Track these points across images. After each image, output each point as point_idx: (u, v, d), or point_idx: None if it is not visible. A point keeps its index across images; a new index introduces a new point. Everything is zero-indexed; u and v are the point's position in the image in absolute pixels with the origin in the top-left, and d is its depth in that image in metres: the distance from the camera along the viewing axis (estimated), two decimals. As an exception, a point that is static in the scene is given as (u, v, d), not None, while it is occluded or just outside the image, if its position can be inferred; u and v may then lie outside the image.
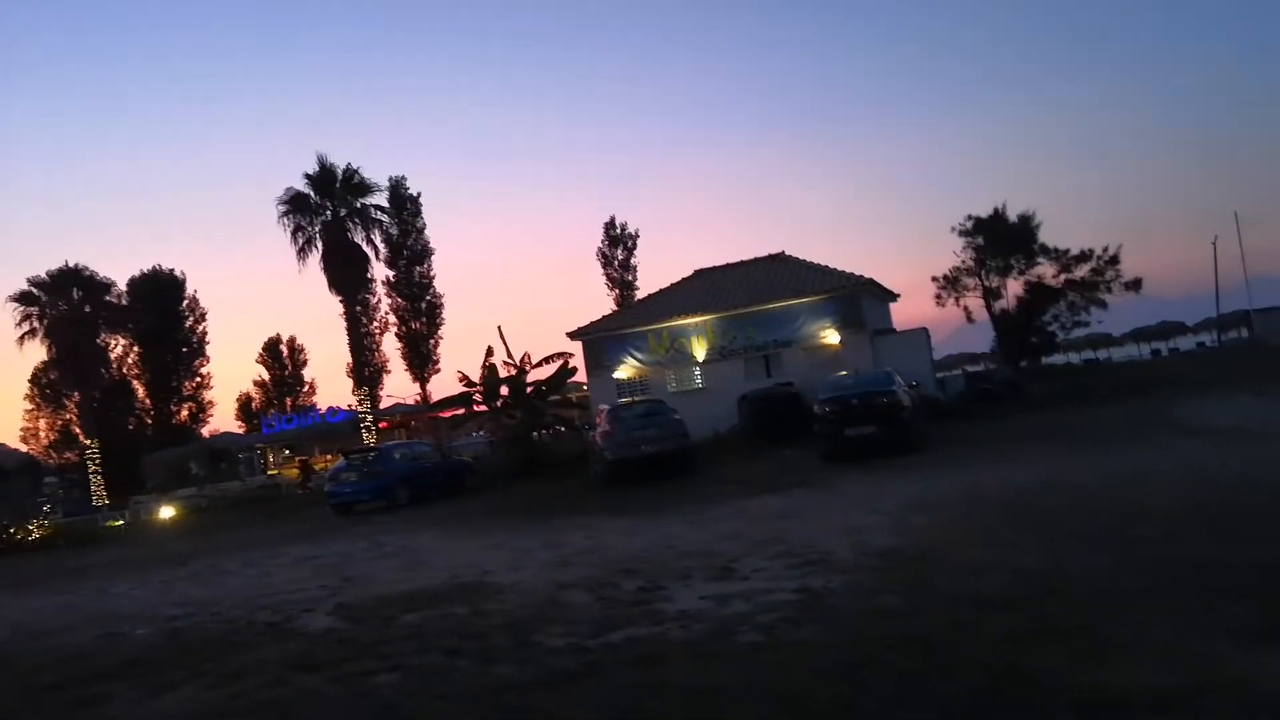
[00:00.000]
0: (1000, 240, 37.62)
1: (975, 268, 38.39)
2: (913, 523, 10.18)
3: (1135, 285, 37.28)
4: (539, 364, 30.59)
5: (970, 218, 38.50)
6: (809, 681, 5.03)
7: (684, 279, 33.14)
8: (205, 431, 55.84)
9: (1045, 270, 37.70)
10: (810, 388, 22.88)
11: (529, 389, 30.14)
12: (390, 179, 48.06)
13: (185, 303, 55.94)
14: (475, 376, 30.23)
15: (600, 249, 55.17)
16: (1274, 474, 10.00)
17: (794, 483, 15.59)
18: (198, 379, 56.23)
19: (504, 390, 29.96)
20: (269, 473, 45.26)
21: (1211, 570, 6.42)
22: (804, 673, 5.21)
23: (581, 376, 31.70)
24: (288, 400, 62.66)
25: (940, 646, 5.41)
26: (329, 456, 41.14)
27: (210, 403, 57.00)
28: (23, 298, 40.49)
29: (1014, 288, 38.42)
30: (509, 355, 30.48)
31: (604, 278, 55.07)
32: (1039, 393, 27.57)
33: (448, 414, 39.23)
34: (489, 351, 30.64)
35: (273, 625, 8.93)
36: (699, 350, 29.19)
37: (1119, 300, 38.16)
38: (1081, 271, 37.16)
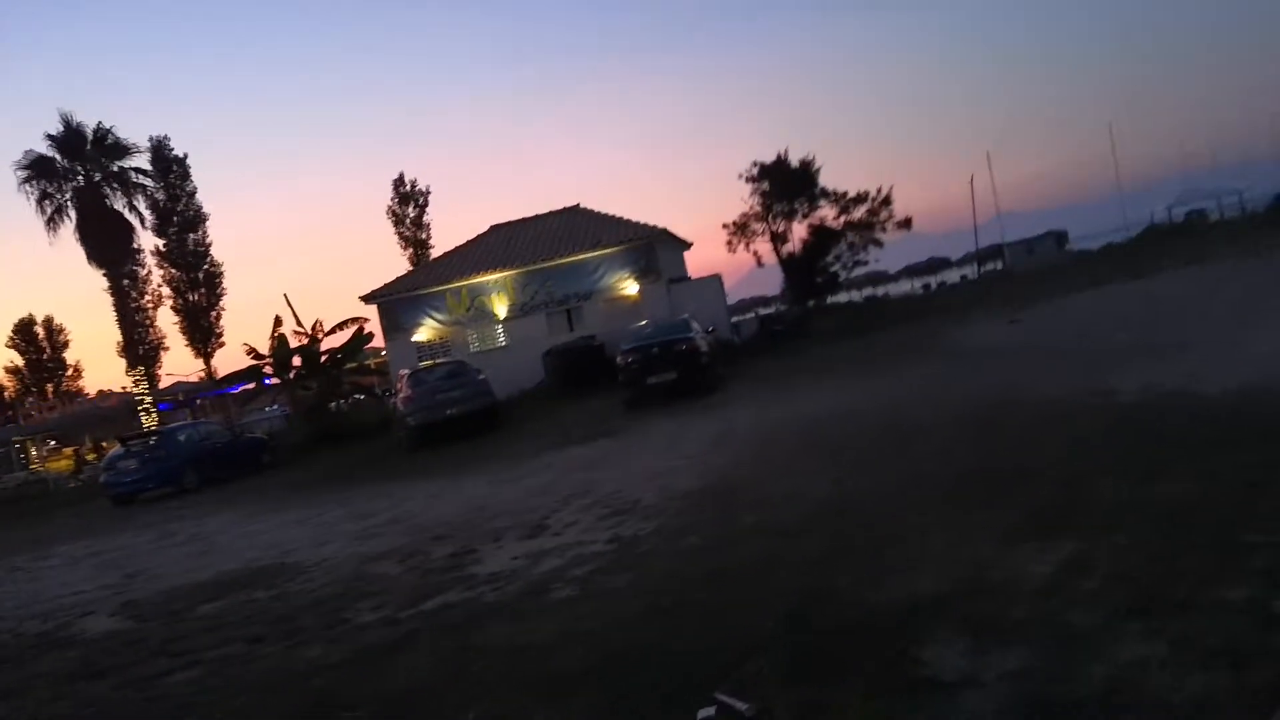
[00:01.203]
0: (784, 185, 39.18)
1: (763, 213, 39.85)
2: (714, 462, 10.55)
3: (906, 224, 39.92)
4: (332, 331, 29.34)
5: (756, 164, 39.82)
6: (623, 628, 5.13)
7: (480, 235, 32.57)
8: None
9: (827, 213, 39.66)
10: (613, 339, 23.20)
11: (323, 358, 28.88)
12: (151, 139, 44.09)
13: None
14: (264, 349, 28.69)
15: (390, 207, 53.22)
16: (1025, 389, 11.04)
17: (601, 433, 15.80)
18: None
19: (296, 361, 28.57)
20: (31, 467, 41.22)
21: (978, 480, 7.03)
22: (618, 620, 5.31)
23: (380, 342, 30.65)
24: (49, 386, 57.12)
25: (745, 579, 5.65)
26: (105, 445, 37.91)
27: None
28: None
29: (799, 231, 40.22)
30: (299, 324, 29.03)
31: (396, 237, 53.25)
32: (826, 329, 29.19)
33: (237, 390, 37.02)
34: (277, 321, 29.10)
35: (44, 635, 8.14)
36: (500, 307, 28.85)
37: (893, 239, 40.79)
38: (859, 213, 39.35)
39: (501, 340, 28.82)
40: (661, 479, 10.02)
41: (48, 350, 59.14)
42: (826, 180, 39.56)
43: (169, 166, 44.92)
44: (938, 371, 15.01)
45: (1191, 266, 23.87)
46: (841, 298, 48.04)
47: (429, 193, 53.62)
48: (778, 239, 40.09)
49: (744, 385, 18.71)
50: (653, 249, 28.04)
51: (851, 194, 39.48)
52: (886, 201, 39.26)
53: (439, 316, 29.29)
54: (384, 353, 32.03)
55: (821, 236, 39.41)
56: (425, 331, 29.34)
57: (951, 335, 20.46)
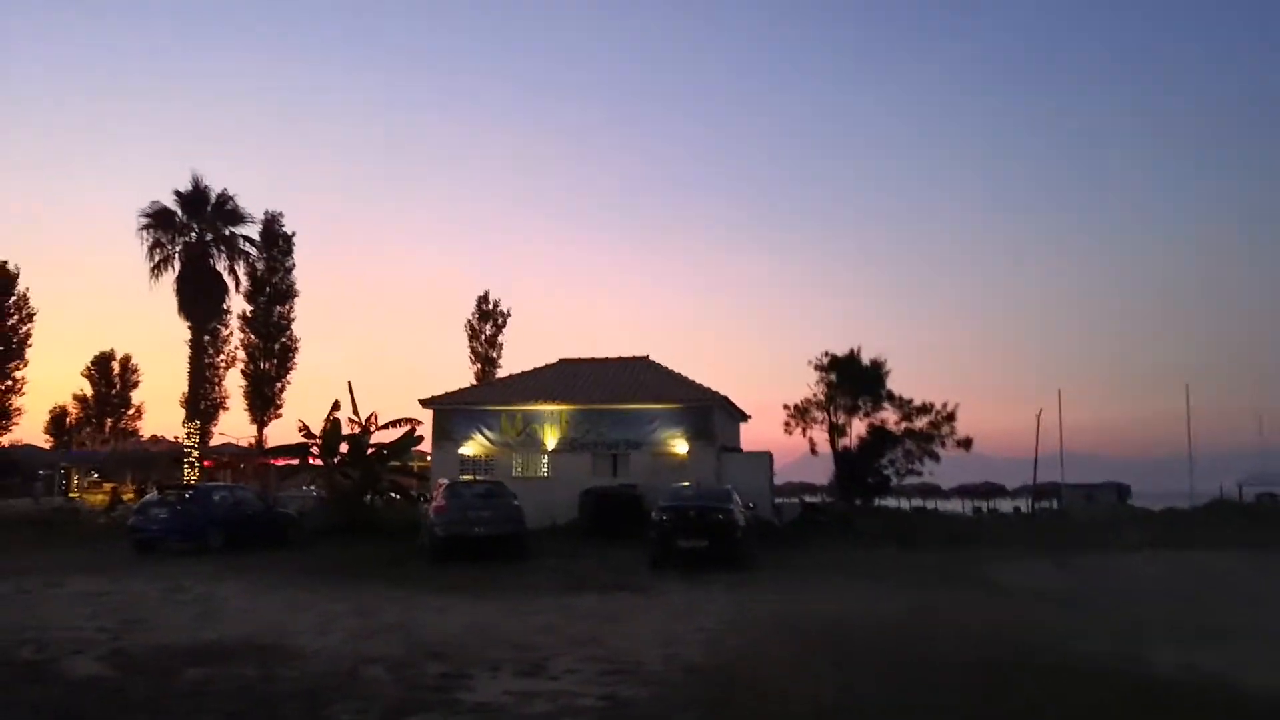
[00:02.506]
0: (851, 380, 39.43)
1: (825, 402, 39.97)
2: (728, 642, 10.30)
3: (966, 444, 39.62)
4: (385, 426, 29.87)
5: (827, 354, 40.29)
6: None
7: (547, 365, 33.24)
8: (4, 441, 51.37)
9: (889, 415, 39.66)
10: (652, 493, 23.13)
11: (370, 450, 29.27)
12: (266, 213, 46.64)
13: (14, 299, 52.12)
14: (317, 428, 29.21)
15: (470, 321, 54.74)
16: (1057, 639, 10.65)
17: (622, 585, 15.56)
18: (9, 381, 51.98)
19: (344, 447, 29.00)
20: (69, 494, 41.87)
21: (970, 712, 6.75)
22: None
23: (428, 446, 31.02)
24: (108, 421, 58.61)
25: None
26: (143, 488, 38.49)
27: (18, 410, 52.61)
28: None
29: (858, 427, 40.17)
30: (355, 412, 29.65)
31: (469, 350, 54.51)
32: (869, 530, 28.60)
33: (280, 462, 37.54)
34: (335, 405, 29.71)
35: (32, 665, 8.16)
36: (550, 438, 29.12)
37: (950, 455, 40.42)
38: (921, 423, 39.25)
39: (545, 471, 28.93)
40: (670, 646, 9.79)
41: (118, 386, 60.99)
42: (894, 385, 39.81)
43: (275, 241, 47.22)
44: (978, 602, 14.59)
45: (1243, 549, 23.06)
46: (890, 502, 47.31)
47: (509, 315, 55.14)
48: (836, 430, 40.05)
49: (775, 569, 18.30)
50: (710, 413, 28.24)
51: (917, 403, 39.55)
52: (950, 417, 39.20)
53: (490, 435, 29.64)
54: (429, 458, 32.35)
55: (880, 437, 39.26)
56: (473, 446, 29.65)
57: (996, 565, 19.88)
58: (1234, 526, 31.45)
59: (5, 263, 52.14)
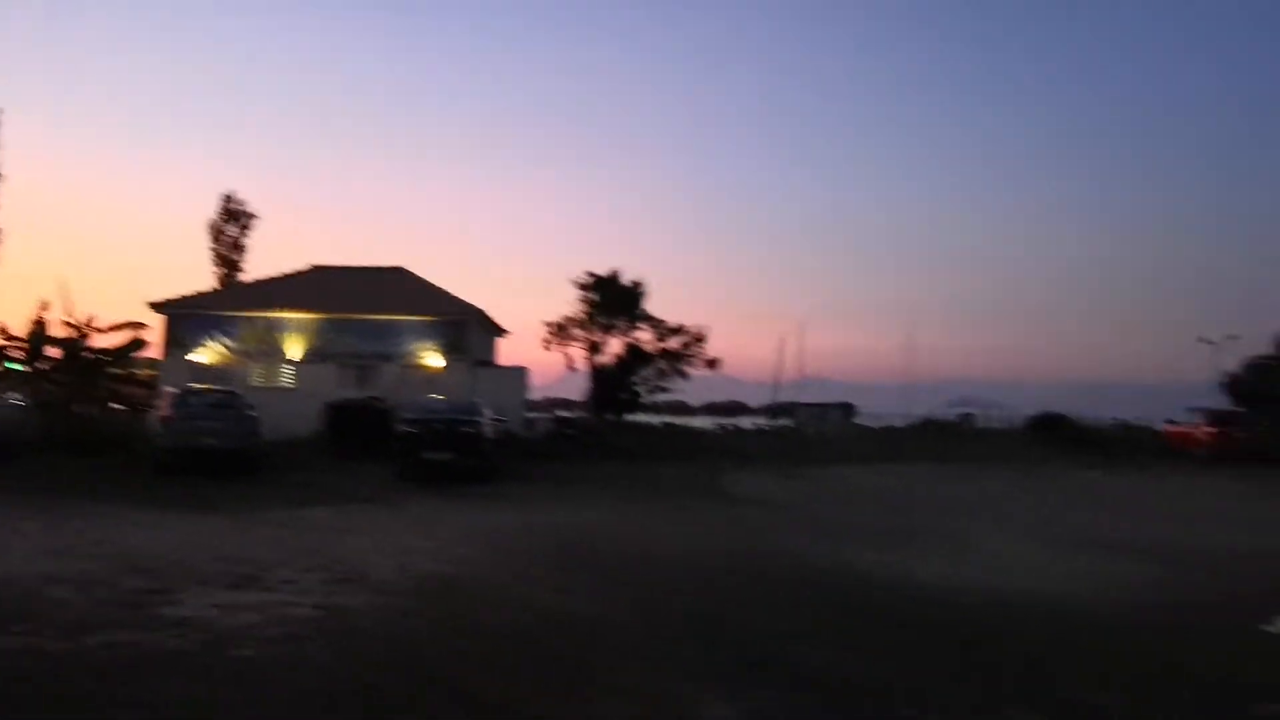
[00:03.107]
0: (611, 300, 40.08)
1: (585, 321, 40.48)
2: (464, 553, 10.28)
3: (714, 364, 41.58)
4: (107, 330, 27.18)
5: (589, 274, 40.64)
6: (278, 709, 4.82)
7: (298, 272, 31.37)
8: None
9: (644, 335, 40.78)
10: (403, 406, 22.58)
11: (87, 356, 26.58)
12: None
13: None
14: (22, 330, 26.08)
15: (213, 222, 50.41)
16: (777, 547, 11.50)
17: (361, 498, 15.18)
18: None
19: (54, 352, 26.14)
20: None
21: (694, 618, 7.17)
22: (278, 698, 4.98)
23: (159, 355, 28.56)
24: None
25: (437, 677, 5.46)
26: None
27: None
28: None
29: (615, 346, 41.05)
30: (70, 314, 26.72)
31: (212, 253, 50.29)
32: (619, 445, 29.51)
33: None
34: (43, 305, 26.63)
35: None
36: (295, 348, 27.63)
37: (700, 375, 42.32)
38: (674, 343, 40.69)
39: (287, 381, 27.48)
40: (403, 557, 9.66)
41: None
42: (651, 306, 40.89)
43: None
44: (705, 509, 15.45)
45: (945, 463, 25.93)
46: (641, 418, 49.02)
47: (255, 217, 51.23)
48: (593, 348, 40.72)
49: (522, 483, 18.51)
50: (465, 327, 27.84)
51: (672, 324, 40.91)
52: (700, 339, 40.87)
53: (228, 342, 27.71)
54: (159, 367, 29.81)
55: (635, 356, 40.35)
56: (209, 354, 27.62)
57: (733, 477, 21.13)
58: (934, 441, 35.21)
59: None
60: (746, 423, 63.42)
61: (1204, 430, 29.77)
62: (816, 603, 8.06)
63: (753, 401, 70.98)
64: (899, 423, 51.68)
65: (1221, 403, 36.73)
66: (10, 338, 25.92)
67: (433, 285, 30.16)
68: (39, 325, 25.96)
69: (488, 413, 19.86)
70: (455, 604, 7.62)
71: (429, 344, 27.49)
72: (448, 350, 27.46)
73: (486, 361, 30.61)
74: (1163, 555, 10.94)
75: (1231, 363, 39.71)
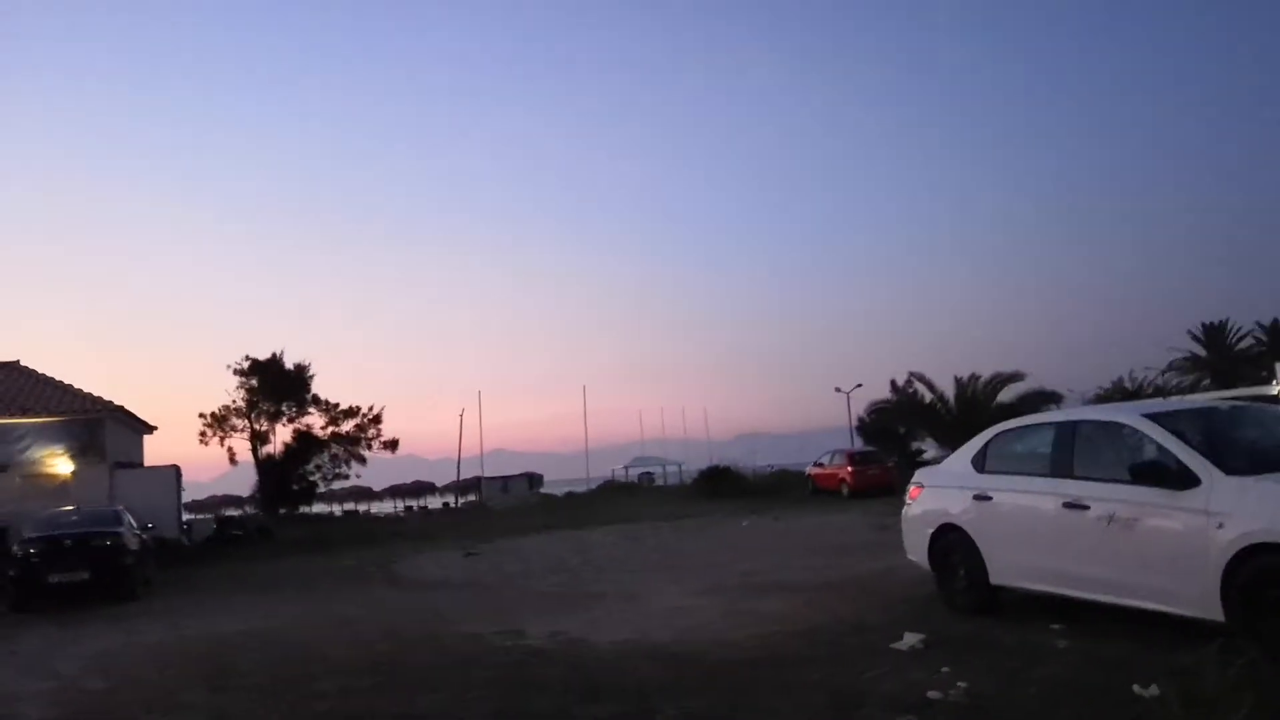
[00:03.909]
0: (274, 385, 37.86)
1: (246, 409, 37.80)
2: (89, 687, 9.00)
3: (393, 445, 40.47)
4: None
5: (248, 358, 38.12)
6: None
7: None
8: None
9: (315, 420, 38.86)
10: (23, 523, 19.59)
11: None
12: None
13: None
14: None
15: None
16: (447, 626, 11.25)
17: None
18: None
19: None
20: None
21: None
22: None
23: None
24: None
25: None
26: None
27: None
28: None
29: (283, 434, 38.68)
30: None
31: None
32: (292, 539, 27.64)
33: None
34: None
35: None
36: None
37: (379, 457, 40.91)
38: (348, 426, 39.10)
39: None
40: (8, 706, 8.27)
41: None
42: (320, 389, 39.02)
43: None
44: (378, 599, 14.86)
45: (627, 524, 26.97)
46: (321, 508, 46.40)
47: None
48: (258, 438, 38.07)
49: (174, 594, 16.77)
50: (101, 425, 24.87)
51: (344, 406, 39.31)
52: (377, 420, 39.72)
53: None
54: None
55: (305, 443, 38.28)
56: None
57: (412, 561, 20.49)
58: (617, 502, 36.55)
59: None
60: (435, 501, 62.29)
61: (845, 470, 33.43)
62: (483, 680, 7.93)
63: (439, 480, 69.72)
64: (582, 488, 53.14)
65: (856, 444, 41.51)
66: None
67: (58, 381, 26.66)
68: None
69: (129, 520, 17.79)
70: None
71: (55, 448, 24.19)
72: (80, 453, 24.32)
73: (131, 463, 27.47)
74: (804, 587, 12.01)
75: (859, 408, 45.08)
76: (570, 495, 48.88)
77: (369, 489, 61.83)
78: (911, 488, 10.55)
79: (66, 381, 26.64)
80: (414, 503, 64.70)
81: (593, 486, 54.86)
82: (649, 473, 61.18)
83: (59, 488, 23.39)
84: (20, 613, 15.21)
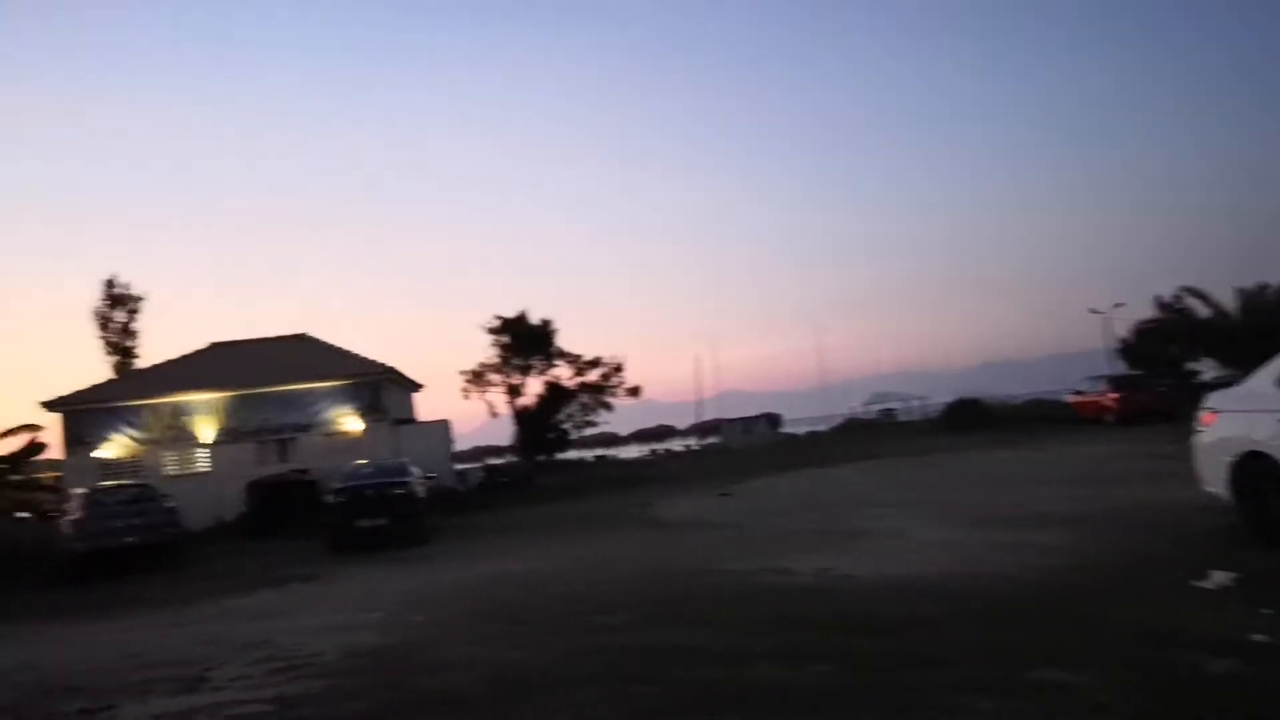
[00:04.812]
0: (523, 341, 40.12)
1: (500, 365, 40.33)
2: (407, 619, 10.14)
3: (635, 392, 41.85)
4: (1, 436, 25.98)
5: (498, 318, 40.55)
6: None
7: (197, 351, 30.48)
8: None
9: (562, 372, 40.86)
10: (329, 474, 22.12)
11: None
12: None
13: None
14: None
15: (98, 310, 48.65)
16: (716, 564, 11.62)
17: (296, 577, 14.80)
18: None
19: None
20: None
21: (642, 654, 7.21)
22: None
23: (60, 455, 27.38)
24: None
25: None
26: None
27: None
28: None
29: (534, 386, 41.00)
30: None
31: (101, 343, 48.48)
32: (552, 485, 29.44)
33: None
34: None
35: None
36: (206, 430, 26.80)
37: (623, 404, 42.49)
38: (592, 376, 40.83)
39: (203, 465, 26.62)
40: (348, 633, 9.45)
41: None
42: (564, 342, 40.92)
43: None
44: (642, 539, 15.53)
45: (875, 460, 26.56)
46: (573, 455, 48.93)
47: (141, 299, 49.58)
48: (513, 391, 40.58)
49: (458, 538, 18.34)
50: (379, 387, 27.43)
51: (588, 357, 41.06)
52: (619, 369, 41.16)
53: (134, 433, 26.72)
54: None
55: (555, 394, 40.39)
56: (115, 448, 26.58)
57: (668, 502, 21.29)
58: (860, 440, 36.01)
59: None
60: (677, 445, 64.01)
61: (1109, 397, 31.13)
62: (760, 617, 8.17)
63: (679, 423, 71.54)
64: (823, 426, 52.76)
65: (1119, 368, 38.48)
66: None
67: (340, 348, 29.65)
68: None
69: (417, 472, 19.62)
70: (402, 675, 7.49)
71: (346, 408, 27.01)
72: (365, 412, 27.00)
73: (407, 419, 30.18)
74: (1080, 519, 11.40)
75: (1121, 329, 41.67)
76: (813, 434, 48.69)
77: (616, 434, 64.44)
78: (1203, 413, 9.71)
79: (345, 348, 29.62)
80: (658, 446, 66.83)
81: (831, 425, 54.31)
82: (890, 408, 59.69)
83: (351, 444, 26.15)
84: (336, 553, 17.24)
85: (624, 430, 67.95)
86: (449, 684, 6.98)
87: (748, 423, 51.65)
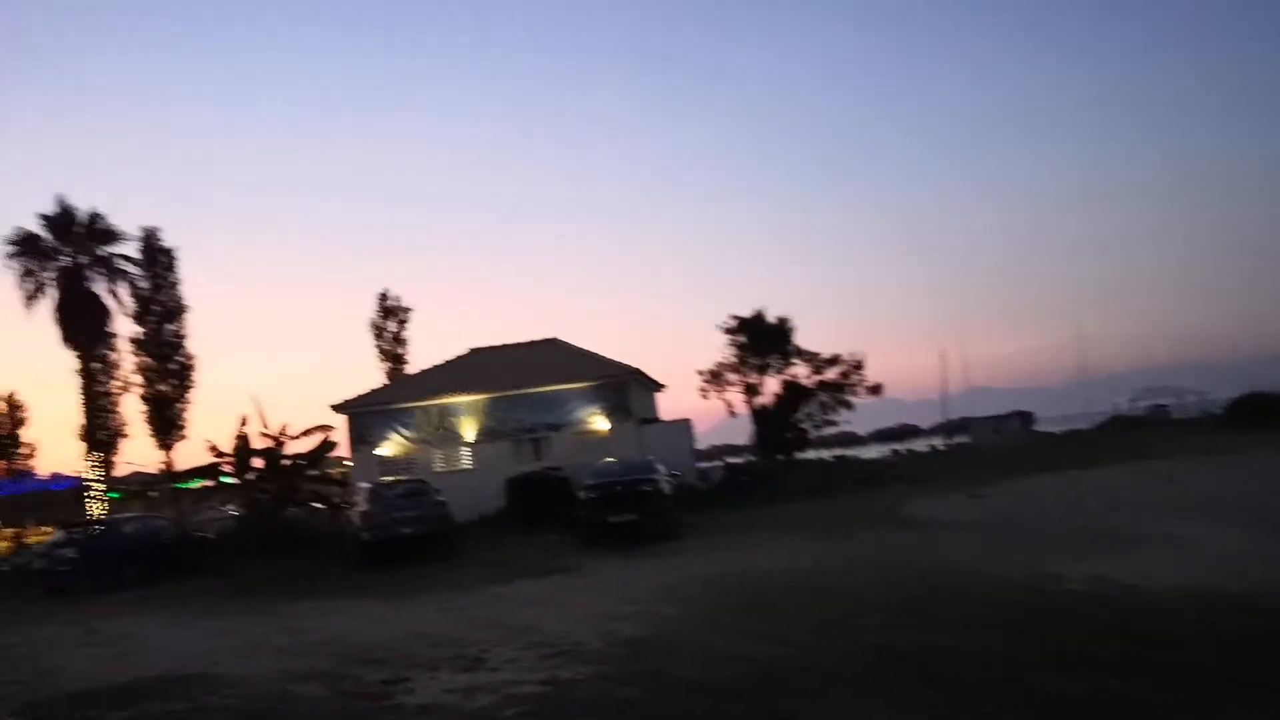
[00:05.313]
0: (760, 340, 39.99)
1: (737, 364, 40.49)
2: (662, 612, 10.44)
3: (876, 390, 40.61)
4: (299, 436, 29.11)
5: (734, 317, 40.72)
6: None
7: (458, 357, 32.84)
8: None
9: (799, 371, 40.35)
10: (578, 472, 23.15)
11: (285, 462, 28.52)
12: (143, 229, 44.48)
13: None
14: (228, 446, 28.27)
15: (373, 321, 53.54)
16: (974, 568, 11.11)
17: (555, 568, 15.59)
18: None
19: (257, 462, 28.17)
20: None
21: (907, 655, 7.03)
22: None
23: (346, 453, 30.40)
24: (1, 463, 55.66)
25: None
26: (47, 529, 36.74)
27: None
28: None
29: (772, 385, 40.78)
30: (265, 426, 28.80)
31: (376, 350, 53.34)
32: (792, 485, 29.19)
33: (195, 485, 36.23)
34: (242, 420, 28.81)
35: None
36: (468, 430, 28.83)
37: (863, 402, 41.37)
38: (831, 374, 40.06)
39: (466, 463, 28.66)
40: (608, 623, 9.89)
41: (7, 426, 57.90)
42: (801, 340, 40.46)
43: (156, 257, 45.13)
44: (893, 540, 15.08)
45: (1145, 460, 24.36)
46: (811, 454, 48.29)
47: (410, 310, 53.98)
48: (751, 390, 40.59)
49: (704, 534, 18.58)
50: (625, 388, 28.34)
51: (826, 355, 40.35)
52: (859, 366, 40.08)
53: (407, 433, 29.21)
54: (348, 464, 31.72)
55: (793, 392, 39.95)
56: (391, 447, 29.18)
57: (917, 503, 20.57)
58: (1128, 439, 33.13)
59: None
60: (920, 445, 61.58)
61: None
62: (1030, 623, 7.74)
63: (922, 422, 68.93)
64: (1083, 424, 48.91)
65: None
66: (220, 454, 28.10)
67: (587, 351, 30.94)
68: (241, 439, 28.04)
69: (662, 469, 20.11)
70: (663, 665, 7.73)
71: (593, 409, 28.13)
72: (611, 412, 28.01)
73: (650, 418, 30.99)
74: None
75: None
76: (1074, 432, 45.27)
77: (855, 434, 62.94)
78: None
79: (592, 350, 30.88)
80: (900, 446, 64.65)
81: (1092, 423, 50.28)
82: (1162, 404, 54.48)
83: (599, 442, 27.22)
84: (590, 546, 18.01)
85: (864, 430, 66.23)
86: (710, 675, 7.15)
87: (998, 421, 48.91)
